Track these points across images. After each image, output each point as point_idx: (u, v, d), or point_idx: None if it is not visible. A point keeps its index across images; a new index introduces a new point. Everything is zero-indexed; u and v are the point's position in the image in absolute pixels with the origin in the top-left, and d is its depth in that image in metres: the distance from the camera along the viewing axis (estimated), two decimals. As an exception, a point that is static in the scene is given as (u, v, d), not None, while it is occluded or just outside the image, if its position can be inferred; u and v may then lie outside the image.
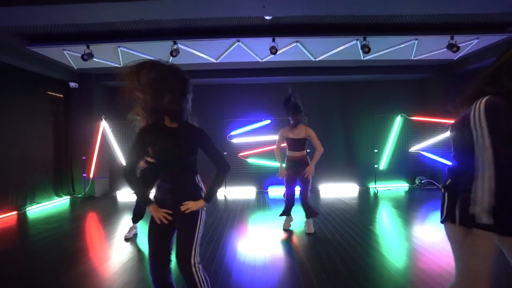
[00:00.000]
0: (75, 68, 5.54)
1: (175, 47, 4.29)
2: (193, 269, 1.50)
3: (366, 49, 4.28)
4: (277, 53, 4.52)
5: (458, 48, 4.28)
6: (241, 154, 6.47)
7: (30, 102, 5.41)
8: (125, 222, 4.20)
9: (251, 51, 4.76)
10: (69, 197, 6.16)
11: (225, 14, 3.35)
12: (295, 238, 3.38)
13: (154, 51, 4.66)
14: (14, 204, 4.92)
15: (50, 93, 5.98)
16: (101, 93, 6.59)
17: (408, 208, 4.79)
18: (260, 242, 3.25)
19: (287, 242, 3.28)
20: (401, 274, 2.43)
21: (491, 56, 5.08)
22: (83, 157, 6.12)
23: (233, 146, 6.52)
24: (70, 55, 4.77)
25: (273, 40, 4.24)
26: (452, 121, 1.39)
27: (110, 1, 2.96)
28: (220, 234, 3.50)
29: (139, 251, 3.12)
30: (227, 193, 6.46)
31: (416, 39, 4.45)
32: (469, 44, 4.61)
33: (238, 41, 4.35)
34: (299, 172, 3.43)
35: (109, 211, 5.02)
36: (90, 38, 4.24)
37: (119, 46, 4.43)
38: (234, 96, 6.60)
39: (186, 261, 1.50)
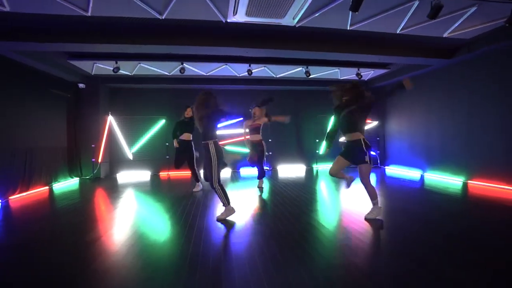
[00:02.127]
0: (92, 74, 6.94)
1: (181, 66, 6.16)
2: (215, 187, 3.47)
3: (307, 74, 6.72)
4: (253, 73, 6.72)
5: (361, 76, 7.02)
6: (220, 142, 8.50)
7: (46, 101, 6.58)
8: (127, 193, 5.51)
9: (233, 70, 6.87)
10: (78, 178, 7.49)
11: (222, 53, 5.40)
12: (260, 201, 4.64)
13: (165, 67, 6.44)
14: (45, 181, 6.26)
15: (63, 92, 7.21)
16: (105, 93, 7.98)
17: (338, 180, 6.47)
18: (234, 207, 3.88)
19: (253, 206, 4.29)
20: (332, 232, 3.10)
21: (385, 80, 8.02)
22: (93, 145, 7.52)
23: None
24: (96, 66, 6.26)
25: (249, 65, 6.41)
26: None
27: (154, 44, 4.76)
28: (203, 205, 4.45)
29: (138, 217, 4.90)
30: (210, 172, 8.44)
31: (339, 69, 7.06)
32: (368, 73, 7.41)
33: (226, 64, 6.42)
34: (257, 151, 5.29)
35: (115, 188, 6.15)
36: (119, 57, 5.85)
37: (139, 63, 6.13)
38: (218, 99, 8.56)
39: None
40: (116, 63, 5.90)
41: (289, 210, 4.02)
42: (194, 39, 4.81)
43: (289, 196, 5.01)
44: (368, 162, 3.33)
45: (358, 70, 7.02)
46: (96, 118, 7.62)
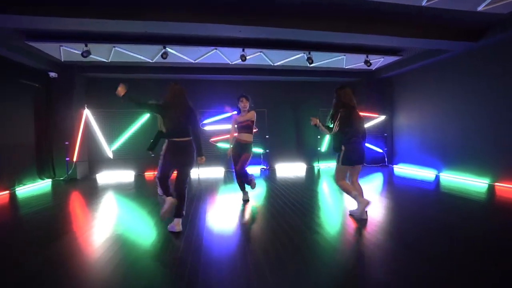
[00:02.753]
0: (62, 61, 6.04)
1: (164, 51, 5.28)
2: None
3: (310, 60, 5.88)
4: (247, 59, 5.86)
5: (371, 63, 6.18)
6: (212, 139, 7.68)
7: (9, 90, 5.70)
8: (107, 198, 4.82)
9: (225, 56, 5.99)
10: (50, 180, 6.63)
11: (210, 33, 4.53)
12: (252, 207, 4.00)
13: (144, 52, 5.56)
14: (5, 184, 5.40)
15: (31, 82, 6.31)
16: (82, 83, 7.07)
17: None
18: (225, 211, 3.85)
19: (245, 212, 3.83)
20: (334, 237, 2.85)
21: (395, 69, 7.20)
22: (66, 142, 6.64)
23: (205, 133, 7.68)
24: (64, 50, 5.36)
25: (243, 50, 5.54)
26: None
27: (124, 19, 3.89)
28: (195, 207, 4.04)
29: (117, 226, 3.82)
30: (200, 173, 7.63)
31: (344, 55, 6.22)
32: (378, 61, 6.58)
33: (216, 49, 5.55)
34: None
35: (92, 190, 5.46)
36: (89, 38, 4.97)
37: (114, 46, 5.23)
38: (207, 90, 7.71)
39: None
40: (86, 46, 5.01)
41: (288, 214, 3.62)
42: (175, 14, 3.94)
43: (288, 198, 4.48)
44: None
45: (367, 57, 6.18)
46: (70, 112, 6.73)
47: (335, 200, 4.52)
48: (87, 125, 6.97)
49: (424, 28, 4.61)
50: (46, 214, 3.92)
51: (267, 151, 8.07)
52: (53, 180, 6.64)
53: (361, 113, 3.59)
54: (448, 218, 3.36)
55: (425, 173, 6.68)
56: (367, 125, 8.18)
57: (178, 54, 5.76)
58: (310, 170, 8.00)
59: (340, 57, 6.30)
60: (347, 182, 3.42)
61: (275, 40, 5.43)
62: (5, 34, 4.66)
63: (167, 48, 5.31)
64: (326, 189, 5.46)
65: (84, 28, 4.19)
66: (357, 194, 3.27)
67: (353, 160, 3.30)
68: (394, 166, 8.01)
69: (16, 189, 5.62)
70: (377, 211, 3.67)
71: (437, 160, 6.54)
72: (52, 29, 4.59)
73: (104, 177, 7.21)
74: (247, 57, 5.93)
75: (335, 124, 3.38)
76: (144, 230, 3.24)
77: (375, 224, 3.16)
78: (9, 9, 3.61)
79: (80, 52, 5.07)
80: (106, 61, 5.98)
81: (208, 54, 5.80)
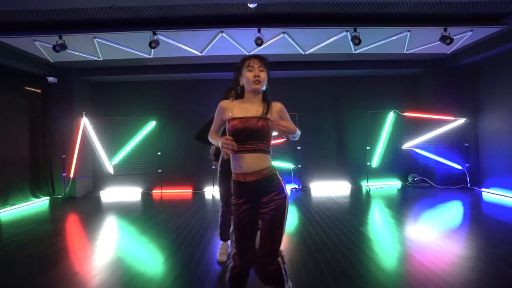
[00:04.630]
0: (51, 61, 5.22)
1: (154, 38, 4.02)
2: None
3: (356, 40, 4.08)
4: (264, 45, 4.31)
5: (452, 40, 4.11)
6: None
7: (4, 97, 5.10)
8: (108, 221, 3.99)
9: (236, 42, 4.53)
10: (48, 197, 5.86)
11: (202, 1, 3.10)
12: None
13: (133, 42, 4.40)
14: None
15: (26, 88, 5.66)
16: (83, 89, 6.28)
17: (401, 207, 4.63)
18: None
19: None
20: (390, 281, 2.24)
21: (484, 51, 4.94)
22: (63, 156, 5.83)
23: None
24: (44, 47, 4.46)
25: (259, 31, 4.01)
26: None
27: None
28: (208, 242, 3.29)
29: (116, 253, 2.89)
30: (215, 192, 6.22)
31: (409, 31, 4.27)
32: (462, 36, 4.45)
33: (222, 31, 4.11)
34: None
35: (90, 212, 4.77)
36: (62, 28, 3.95)
37: (94, 37, 4.14)
38: (221, 92, 6.32)
39: None
40: (60, 38, 3.99)
41: (323, 252, 2.82)
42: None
43: (325, 229, 3.51)
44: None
45: (445, 30, 4.12)
46: (69, 120, 5.92)
47: (391, 237, 3.27)
48: (85, 136, 6.09)
49: None
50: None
51: (299, 166, 6.33)
52: (51, 198, 5.87)
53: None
54: None
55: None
56: (436, 131, 5.96)
57: (178, 44, 4.46)
58: (356, 190, 6.09)
59: (401, 35, 4.35)
60: None
61: (300, 14, 3.78)
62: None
63: (158, 35, 4.04)
64: (379, 220, 3.98)
65: (36, 5, 3.10)
66: None
67: None
68: (482, 190, 5.60)
69: (0, 211, 4.85)
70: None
71: None
72: (16, 15, 3.64)
73: (107, 195, 6.27)
74: (268, 43, 4.37)
75: None
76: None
77: None
78: None
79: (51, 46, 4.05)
80: (99, 59, 4.97)
81: (215, 40, 4.39)
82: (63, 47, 4.05)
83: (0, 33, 4.00)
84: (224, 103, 1.61)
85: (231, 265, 1.56)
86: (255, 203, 1.52)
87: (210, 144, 2.11)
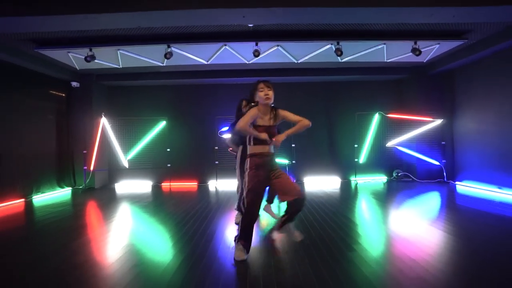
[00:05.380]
0: (78, 69, 6.02)
1: (168, 50, 4.79)
2: None
3: (339, 52, 4.80)
4: (262, 56, 5.06)
5: (420, 52, 4.83)
6: (230, 148, 6.95)
7: (34, 101, 5.87)
8: (122, 208, 4.65)
9: (238, 54, 5.28)
10: (70, 188, 6.62)
11: (209, 22, 3.86)
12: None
13: (150, 53, 5.17)
14: (21, 193, 5.40)
15: (53, 92, 6.45)
16: (101, 92, 7.07)
17: (386, 199, 5.00)
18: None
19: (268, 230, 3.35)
20: (377, 263, 2.36)
21: (456, 60, 5.64)
22: (84, 151, 6.60)
23: (224, 141, 7.00)
24: (74, 57, 5.25)
25: (256, 44, 4.76)
26: None
27: (111, 12, 3.45)
28: (210, 221, 3.71)
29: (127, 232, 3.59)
30: (218, 185, 6.94)
31: (384, 44, 4.99)
32: (432, 48, 5.16)
33: (225, 45, 4.87)
34: None
35: (107, 200, 5.35)
36: (92, 42, 4.73)
37: (118, 49, 4.92)
38: (224, 95, 7.09)
39: None
40: (90, 50, 4.77)
41: (315, 238, 2.99)
42: (163, 2, 3.36)
43: (318, 218, 3.74)
44: None
45: (415, 43, 4.85)
46: (89, 120, 6.70)
47: (377, 225, 3.45)
48: (104, 134, 6.87)
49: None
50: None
51: (294, 162, 7.04)
52: (73, 189, 6.62)
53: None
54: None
55: (506, 195, 4.93)
56: (417, 130, 6.64)
57: (187, 55, 5.23)
58: (345, 184, 6.74)
59: (379, 47, 5.08)
60: None
61: (291, 30, 4.53)
62: (16, 44, 4.67)
63: (171, 48, 4.80)
64: (366, 210, 4.31)
65: (76, 27, 3.87)
66: None
67: None
68: (456, 183, 6.26)
69: (34, 197, 5.61)
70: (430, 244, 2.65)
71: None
72: (55, 34, 4.43)
73: (122, 186, 7.01)
74: (264, 54, 5.13)
75: None
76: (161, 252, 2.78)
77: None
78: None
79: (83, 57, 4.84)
80: (118, 67, 5.75)
81: (219, 51, 5.15)
82: (92, 57, 4.82)
83: (41, 47, 4.79)
84: (255, 112, 2.43)
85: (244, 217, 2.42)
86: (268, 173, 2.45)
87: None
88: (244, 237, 2.41)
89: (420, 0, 3.46)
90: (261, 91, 2.46)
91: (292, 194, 2.36)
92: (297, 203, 2.38)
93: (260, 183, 2.40)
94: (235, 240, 2.53)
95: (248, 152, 2.50)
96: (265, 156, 2.46)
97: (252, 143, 2.48)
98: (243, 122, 2.38)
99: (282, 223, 2.49)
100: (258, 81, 2.55)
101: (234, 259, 2.41)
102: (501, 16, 3.66)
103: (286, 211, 2.47)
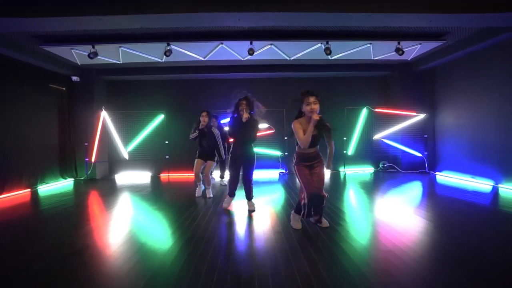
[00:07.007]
0: (79, 64, 6.23)
1: (168, 48, 5.06)
2: None
3: (328, 51, 5.15)
4: (256, 53, 5.37)
5: (403, 52, 5.21)
6: (231, 139, 7.30)
7: (36, 95, 6.05)
8: (123, 198, 4.85)
9: (233, 51, 5.58)
10: (72, 179, 6.91)
11: (207, 24, 4.14)
12: (272, 214, 3.69)
13: (150, 51, 5.42)
14: (27, 183, 5.68)
15: (54, 86, 6.65)
16: (101, 86, 7.29)
17: (373, 188, 5.27)
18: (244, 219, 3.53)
19: (266, 219, 3.48)
20: (364, 249, 2.51)
21: (437, 59, 6.03)
22: (86, 143, 6.86)
23: (225, 133, 7.34)
24: (77, 53, 5.47)
25: (251, 43, 5.06)
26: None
27: (115, 14, 3.71)
28: (207, 210, 3.94)
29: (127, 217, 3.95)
30: (214, 174, 7.30)
31: (370, 43, 5.34)
32: (414, 48, 5.54)
33: (222, 43, 5.16)
34: None
35: (108, 190, 5.57)
36: (96, 40, 4.96)
37: (120, 46, 5.17)
38: (220, 90, 7.39)
39: None
40: (93, 47, 5.01)
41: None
42: (166, 6, 3.64)
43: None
44: None
45: (399, 44, 5.22)
46: (90, 114, 6.95)
47: (363, 212, 3.72)
48: (105, 127, 7.14)
49: None
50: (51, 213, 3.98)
51: (286, 154, 7.45)
52: (75, 180, 6.90)
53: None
54: (509, 247, 2.48)
55: (479, 184, 5.43)
56: (402, 124, 7.08)
57: (186, 52, 5.50)
58: (335, 175, 7.17)
59: (365, 46, 5.44)
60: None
61: (283, 30, 4.85)
62: (21, 40, 4.87)
63: (171, 46, 5.07)
64: (353, 199, 4.62)
65: (83, 27, 4.12)
66: None
67: None
68: (436, 173, 6.76)
69: (39, 187, 5.90)
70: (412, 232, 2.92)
71: (495, 167, 5.26)
72: (59, 31, 4.65)
73: (122, 177, 7.32)
74: (258, 52, 5.44)
75: None
76: (161, 238, 3.00)
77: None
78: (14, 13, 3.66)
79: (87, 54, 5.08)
80: (119, 62, 5.99)
81: (216, 49, 5.44)
82: (95, 54, 5.06)
83: (46, 43, 5.00)
84: (299, 126, 2.81)
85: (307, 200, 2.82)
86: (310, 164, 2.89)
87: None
88: (307, 214, 2.86)
89: (401, 7, 3.81)
90: (308, 104, 2.70)
91: (311, 187, 2.75)
92: (313, 198, 2.75)
93: (306, 171, 2.97)
94: (298, 213, 2.98)
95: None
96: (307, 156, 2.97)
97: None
98: (303, 139, 2.71)
99: (306, 215, 2.86)
100: (307, 92, 2.66)
101: (292, 227, 3.00)
102: (472, 22, 4.05)
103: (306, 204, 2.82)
